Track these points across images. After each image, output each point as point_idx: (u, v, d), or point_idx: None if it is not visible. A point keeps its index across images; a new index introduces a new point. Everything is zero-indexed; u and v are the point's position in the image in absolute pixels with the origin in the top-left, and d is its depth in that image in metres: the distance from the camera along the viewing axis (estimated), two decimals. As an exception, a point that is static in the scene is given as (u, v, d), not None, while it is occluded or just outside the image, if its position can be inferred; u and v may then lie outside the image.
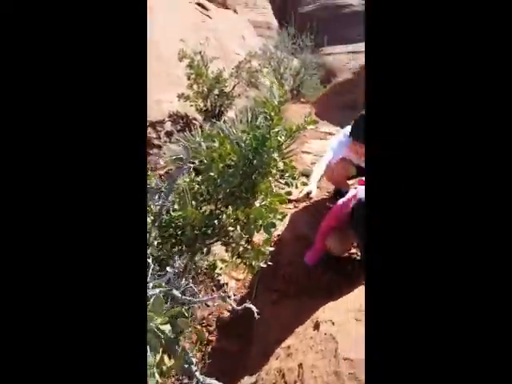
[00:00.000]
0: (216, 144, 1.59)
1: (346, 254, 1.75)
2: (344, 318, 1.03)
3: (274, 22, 8.37)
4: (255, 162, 1.35)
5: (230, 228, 1.45)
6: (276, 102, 1.46)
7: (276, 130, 1.47)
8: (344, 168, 1.99)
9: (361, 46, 7.97)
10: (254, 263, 1.20)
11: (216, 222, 1.36)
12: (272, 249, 1.17)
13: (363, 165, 2.03)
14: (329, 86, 5.04)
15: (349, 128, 1.89)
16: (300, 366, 0.94)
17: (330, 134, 3.22)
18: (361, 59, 7.01)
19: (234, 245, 1.34)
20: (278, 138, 1.48)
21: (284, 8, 8.65)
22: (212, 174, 1.52)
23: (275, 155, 1.35)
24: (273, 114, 1.46)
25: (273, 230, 1.12)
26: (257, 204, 1.27)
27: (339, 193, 2.14)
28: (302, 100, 5.06)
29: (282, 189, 1.49)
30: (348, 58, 8.00)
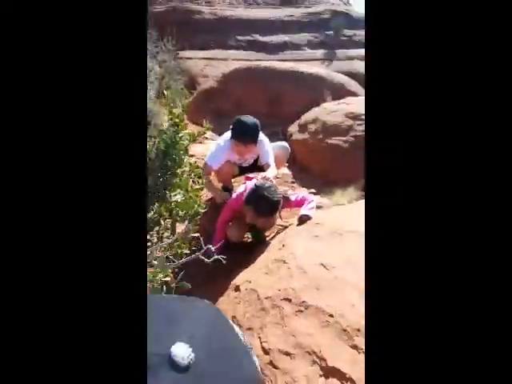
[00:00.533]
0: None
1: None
2: (256, 275, 1.36)
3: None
4: (169, 163, 1.53)
5: (151, 225, 1.58)
6: (181, 110, 1.68)
7: (180, 134, 1.69)
8: (229, 168, 2.35)
9: (214, 53, 8.41)
10: (179, 251, 1.38)
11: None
12: (198, 234, 1.39)
13: (244, 164, 2.44)
14: (196, 93, 5.35)
15: (227, 134, 2.22)
16: (234, 317, 1.22)
17: (207, 138, 3.55)
18: (215, 65, 7.51)
19: (155, 239, 1.49)
20: (182, 141, 1.70)
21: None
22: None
23: (186, 157, 1.58)
24: (178, 120, 1.68)
25: (198, 218, 1.35)
26: (178, 199, 1.46)
27: (226, 189, 2.50)
28: (171, 105, 5.18)
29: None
30: (203, 64, 8.29)
